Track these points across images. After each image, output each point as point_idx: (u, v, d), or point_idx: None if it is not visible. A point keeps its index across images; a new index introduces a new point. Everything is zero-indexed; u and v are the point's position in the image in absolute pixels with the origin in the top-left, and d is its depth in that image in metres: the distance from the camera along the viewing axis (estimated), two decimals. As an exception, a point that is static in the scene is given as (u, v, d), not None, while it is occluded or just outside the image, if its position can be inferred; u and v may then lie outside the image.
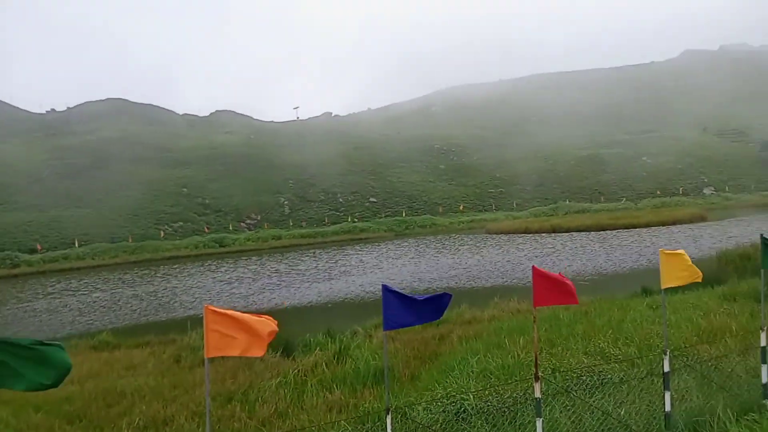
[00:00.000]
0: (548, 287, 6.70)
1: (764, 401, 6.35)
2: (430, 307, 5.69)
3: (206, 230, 60.61)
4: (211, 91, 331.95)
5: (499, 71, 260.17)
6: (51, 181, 67.11)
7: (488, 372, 8.37)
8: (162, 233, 58.57)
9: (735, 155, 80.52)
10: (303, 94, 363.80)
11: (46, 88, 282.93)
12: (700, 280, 6.47)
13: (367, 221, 65.66)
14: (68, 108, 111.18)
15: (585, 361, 8.44)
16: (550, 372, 7.82)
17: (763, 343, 6.62)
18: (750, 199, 65.70)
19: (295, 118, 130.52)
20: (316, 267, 34.15)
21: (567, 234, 43.95)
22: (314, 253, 44.35)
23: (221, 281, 30.55)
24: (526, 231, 48.47)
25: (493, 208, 71.27)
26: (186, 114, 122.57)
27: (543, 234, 45.74)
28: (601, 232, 42.72)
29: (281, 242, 56.97)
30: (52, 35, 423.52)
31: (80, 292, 30.49)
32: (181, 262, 45.23)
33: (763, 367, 6.53)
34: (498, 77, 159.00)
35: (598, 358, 8.60)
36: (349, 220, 65.88)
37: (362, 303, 20.63)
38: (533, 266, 6.49)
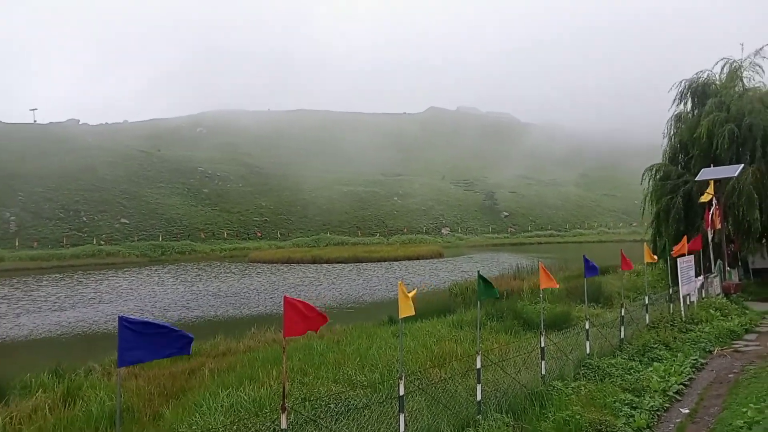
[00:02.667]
0: (299, 317, 6.87)
1: (478, 416, 7.38)
2: (173, 341, 5.36)
3: None
4: None
5: (270, 101, 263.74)
6: None
7: (239, 405, 8.19)
8: None
9: (466, 202, 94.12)
10: (44, 95, 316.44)
11: None
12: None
13: (116, 244, 59.24)
14: None
15: (334, 388, 8.83)
16: (300, 401, 7.98)
17: (478, 366, 7.72)
18: (477, 240, 77.30)
19: (32, 122, 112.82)
20: (46, 294, 29.42)
21: (327, 264, 45.91)
22: (49, 278, 38.24)
23: None
24: (289, 261, 49.32)
25: (257, 236, 70.79)
26: None
27: (305, 264, 47.01)
28: (358, 263, 45.63)
29: (3, 264, 47.94)
30: None
31: None
32: None
33: (478, 387, 7.61)
34: (267, 107, 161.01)
35: (346, 385, 9.07)
36: (95, 242, 58.63)
37: (103, 336, 18.40)
38: (285, 296, 6.60)
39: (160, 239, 62.81)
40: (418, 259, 48.79)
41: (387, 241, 70.97)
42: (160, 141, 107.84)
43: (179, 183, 79.09)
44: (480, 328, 9.22)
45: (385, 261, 47.04)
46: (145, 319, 5.37)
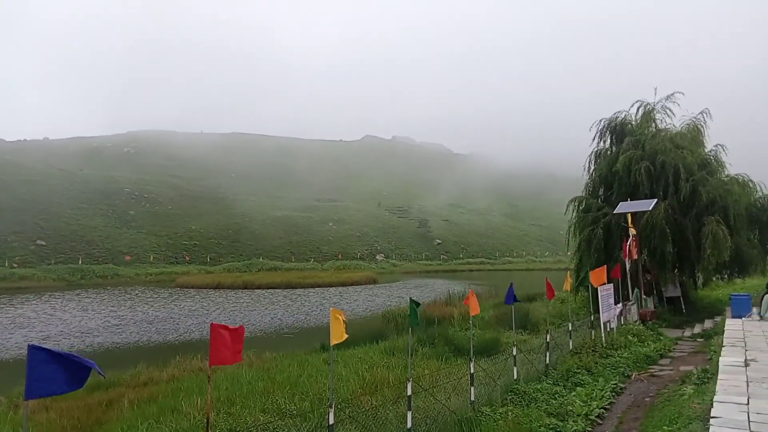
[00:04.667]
0: (226, 345, 6.67)
1: (407, 443, 7.38)
2: (80, 370, 5.08)
3: None
4: None
5: (203, 124, 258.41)
6: None
7: (159, 439, 7.80)
8: None
9: (400, 228, 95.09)
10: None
11: None
12: (343, 339, 7.14)
13: (31, 267, 55.41)
14: None
15: (262, 418, 8.59)
16: (226, 432, 7.70)
17: (409, 392, 7.75)
18: (411, 266, 78.04)
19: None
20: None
21: (259, 290, 44.85)
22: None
23: None
24: (219, 286, 47.86)
25: (186, 261, 68.29)
26: None
27: (235, 289, 45.72)
28: (290, 289, 44.86)
29: None
30: None
31: None
32: None
33: (408, 414, 7.62)
34: (200, 129, 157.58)
35: (275, 414, 8.84)
36: (6, 264, 54.59)
37: (9, 365, 17.06)
38: (212, 323, 6.43)
39: (80, 262, 59.32)
40: (352, 285, 48.61)
41: (321, 267, 70.32)
42: (83, 160, 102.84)
43: (103, 204, 75.44)
44: (412, 355, 9.28)
45: (319, 287, 46.54)
46: (58, 350, 5.08)
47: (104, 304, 35.75)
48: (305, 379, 11.30)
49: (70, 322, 27.16)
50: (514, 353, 10.70)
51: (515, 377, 10.51)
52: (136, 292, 44.35)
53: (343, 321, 6.81)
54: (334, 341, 7.12)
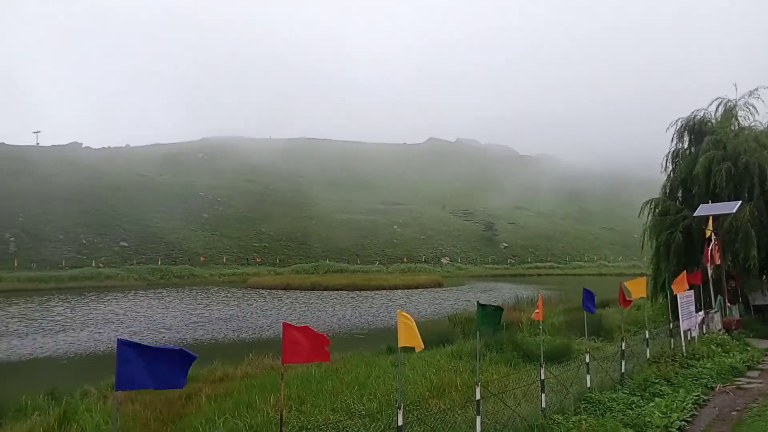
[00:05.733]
0: (299, 344, 6.85)
1: (478, 448, 7.30)
2: (172, 368, 5.31)
3: None
4: None
5: (271, 129, 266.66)
6: None
7: (235, 433, 8.11)
8: None
9: (466, 231, 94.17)
10: (49, 118, 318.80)
11: None
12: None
13: (115, 267, 59.04)
14: None
15: (332, 417, 8.75)
16: (297, 430, 7.91)
17: (478, 397, 7.67)
18: (477, 270, 77.11)
19: (35, 144, 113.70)
20: (43, 316, 29.24)
21: (326, 291, 45.73)
22: (44, 300, 38.06)
23: None
24: (288, 287, 49.18)
25: (257, 262, 70.61)
26: None
27: (303, 290, 46.84)
28: (356, 291, 45.44)
29: (1, 285, 47.73)
30: None
31: None
32: None
33: (478, 418, 7.55)
34: (269, 134, 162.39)
35: (344, 413, 8.99)
36: (93, 264, 58.44)
37: (100, 359, 18.24)
38: (284, 323, 6.60)
39: (159, 263, 62.63)
40: (417, 288, 48.60)
41: (386, 270, 70.76)
42: (161, 166, 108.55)
43: (179, 208, 79.28)
44: (479, 359, 9.18)
45: (384, 289, 46.84)
46: (145, 344, 5.36)
47: (183, 302, 37.59)
48: (373, 380, 11.41)
49: (153, 318, 28.75)
50: (587, 360, 10.36)
51: (588, 385, 10.16)
52: (211, 291, 46.32)
53: (412, 326, 6.83)
54: (402, 343, 7.15)
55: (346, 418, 8.69)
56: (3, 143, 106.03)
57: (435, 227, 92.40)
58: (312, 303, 36.79)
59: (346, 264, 72.64)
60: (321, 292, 45.90)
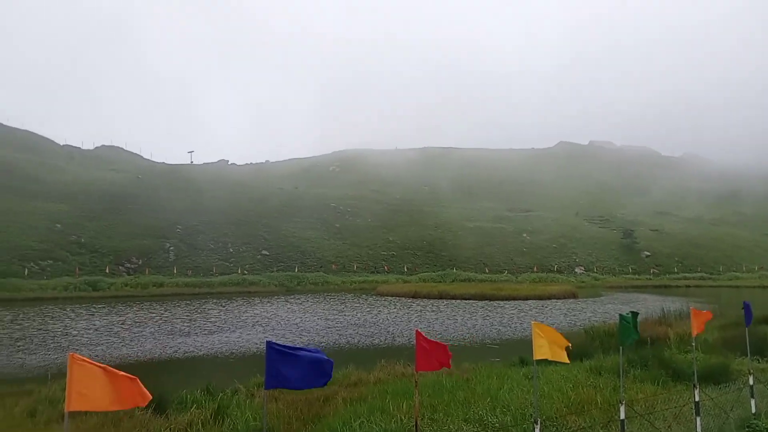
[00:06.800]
0: (430, 352, 6.90)
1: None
2: (315, 371, 5.60)
3: (78, 271, 55.58)
4: (98, 125, 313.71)
5: (395, 141, 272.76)
6: None
7: (371, 437, 8.33)
8: (26, 271, 52.92)
9: (602, 239, 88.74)
10: (199, 139, 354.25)
11: None
12: (566, 361, 6.89)
13: (257, 274, 63.84)
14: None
15: (464, 427, 8.68)
16: (432, 438, 7.95)
17: (622, 416, 7.20)
18: (615, 281, 72.21)
19: (189, 162, 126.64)
20: (200, 318, 32.39)
21: (454, 300, 45.60)
22: (200, 303, 42.20)
23: (93, 328, 27.95)
24: (416, 295, 49.74)
25: (385, 270, 72.36)
26: (67, 145, 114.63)
27: (431, 299, 47.10)
28: (484, 300, 44.73)
29: (162, 290, 53.68)
30: None
31: None
32: (45, 304, 40.88)
33: (622, 438, 7.08)
34: (395, 145, 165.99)
35: (477, 425, 8.87)
36: (239, 271, 63.70)
37: (247, 358, 19.79)
38: (417, 331, 6.67)
39: (296, 270, 66.60)
40: (549, 298, 46.64)
41: (516, 279, 68.87)
42: (297, 179, 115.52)
43: (313, 218, 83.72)
44: (623, 376, 8.60)
45: (513, 299, 45.58)
46: (291, 346, 5.69)
47: (318, 307, 39.64)
48: (505, 392, 11.14)
49: (293, 322, 30.62)
50: (751, 383, 9.27)
51: (753, 411, 9.08)
52: (343, 297, 48.27)
53: (556, 339, 6.58)
54: (537, 356, 6.92)
55: (480, 429, 8.58)
56: (164, 162, 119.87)
57: (568, 235, 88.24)
58: (441, 311, 36.85)
59: (473, 273, 71.86)
60: (449, 300, 45.82)
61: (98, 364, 4.48)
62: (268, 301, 44.34)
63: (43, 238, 59.39)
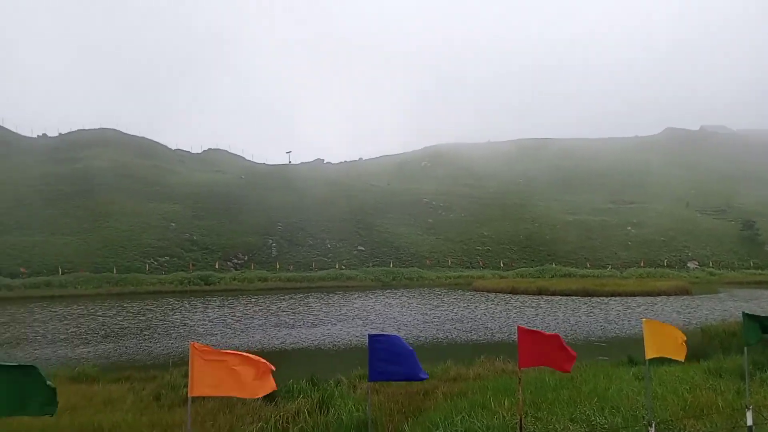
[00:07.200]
0: (534, 348, 6.73)
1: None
2: (417, 365, 5.68)
3: (191, 267, 59.94)
4: (207, 129, 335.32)
5: (487, 134, 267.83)
6: (37, 206, 66.57)
7: (474, 432, 8.29)
8: (147, 267, 57.91)
9: (717, 231, 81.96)
10: (296, 139, 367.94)
11: (38, 111, 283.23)
12: (681, 358, 6.49)
13: (354, 269, 65.44)
14: (60, 134, 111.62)
15: (571, 427, 8.41)
16: (536, 436, 7.78)
17: (749, 423, 6.68)
18: (734, 276, 66.40)
19: (288, 162, 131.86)
20: (303, 311, 33.83)
21: (553, 296, 44.12)
22: (301, 297, 44.07)
23: (207, 320, 30.09)
24: (513, 291, 48.60)
25: (480, 265, 71.42)
26: (178, 149, 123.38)
27: (529, 295, 45.88)
28: (587, 297, 42.87)
29: (267, 284, 56.63)
30: (46, 57, 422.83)
31: (65, 321, 29.87)
32: (165, 297, 44.58)
33: (749, 446, 6.56)
34: (487, 139, 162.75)
35: (584, 425, 8.56)
36: (337, 266, 65.63)
37: (348, 351, 20.40)
38: (519, 326, 6.54)
39: (391, 265, 67.47)
40: (658, 295, 43.78)
41: (620, 274, 65.35)
42: (390, 176, 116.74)
43: (407, 214, 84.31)
44: (749, 379, 7.94)
45: (618, 295, 43.25)
46: (394, 339, 5.78)
47: (415, 301, 39.99)
48: (614, 392, 10.65)
49: (391, 316, 31.14)
50: None
51: None
52: (438, 293, 48.27)
53: (672, 336, 6.24)
54: (650, 355, 6.59)
55: (587, 429, 8.28)
56: (265, 163, 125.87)
57: (677, 227, 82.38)
58: (540, 307, 35.81)
59: (574, 268, 69.10)
60: (549, 296, 44.38)
61: (219, 351, 4.75)
62: (366, 296, 45.33)
63: (161, 237, 64.61)
